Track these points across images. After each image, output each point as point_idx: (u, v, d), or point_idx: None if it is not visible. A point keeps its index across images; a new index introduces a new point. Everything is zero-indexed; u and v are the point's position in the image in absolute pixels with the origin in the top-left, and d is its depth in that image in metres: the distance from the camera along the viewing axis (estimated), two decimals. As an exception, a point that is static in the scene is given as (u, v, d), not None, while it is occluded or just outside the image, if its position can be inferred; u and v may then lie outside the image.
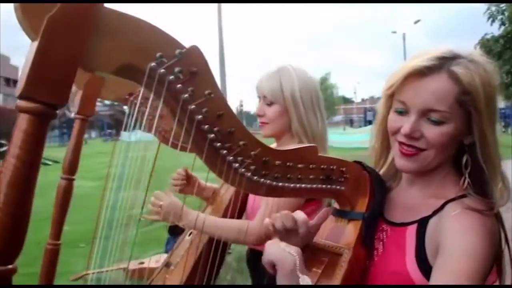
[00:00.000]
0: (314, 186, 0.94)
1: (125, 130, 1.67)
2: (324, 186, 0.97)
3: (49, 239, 1.51)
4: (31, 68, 0.56)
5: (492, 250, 0.90)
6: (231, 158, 0.77)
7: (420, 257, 0.94)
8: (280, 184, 0.87)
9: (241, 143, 0.79)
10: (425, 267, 0.92)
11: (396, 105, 1.00)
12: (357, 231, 1.02)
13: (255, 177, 0.82)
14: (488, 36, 7.62)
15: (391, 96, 1.03)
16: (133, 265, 3.61)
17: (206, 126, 0.73)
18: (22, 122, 0.58)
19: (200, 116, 0.72)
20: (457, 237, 0.89)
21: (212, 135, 0.74)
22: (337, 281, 0.96)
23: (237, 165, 0.79)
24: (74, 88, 1.55)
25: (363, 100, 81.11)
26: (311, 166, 0.93)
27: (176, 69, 0.69)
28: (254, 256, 1.72)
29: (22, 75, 0.58)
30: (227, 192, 1.90)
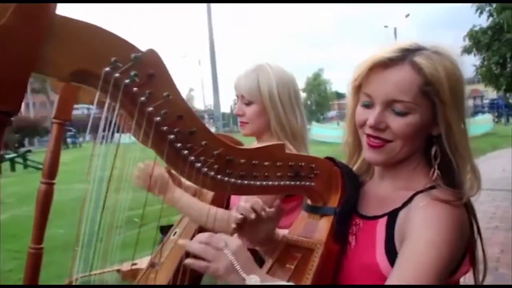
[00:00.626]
0: (282, 183, 0.96)
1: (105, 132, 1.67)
2: (293, 183, 0.98)
3: (31, 243, 1.52)
4: (-17, 76, 0.57)
5: (459, 240, 0.90)
6: (192, 158, 0.79)
7: (389, 249, 0.95)
8: (246, 182, 0.88)
9: (203, 143, 0.80)
10: (394, 258, 0.92)
11: (362, 98, 1.01)
12: (329, 226, 1.04)
13: (219, 176, 0.83)
14: (477, 28, 7.61)
15: (357, 90, 1.04)
16: (126, 266, 3.62)
17: (165, 128, 0.75)
18: (-24, 130, 0.59)
19: (158, 118, 0.73)
20: (421, 228, 0.90)
21: (172, 136, 0.75)
22: (310, 276, 0.98)
23: (199, 164, 0.80)
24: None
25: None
26: (278, 163, 0.94)
27: (132, 73, 0.70)
28: None
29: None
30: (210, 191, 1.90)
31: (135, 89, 0.70)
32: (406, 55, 0.95)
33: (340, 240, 1.05)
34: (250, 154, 0.89)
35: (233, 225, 1.02)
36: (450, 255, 0.88)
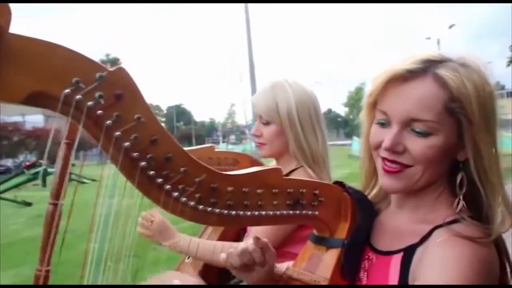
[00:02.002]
0: (279, 213, 0.86)
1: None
2: (292, 212, 0.88)
3: (37, 265, 1.48)
4: None
5: (482, 282, 0.76)
6: (168, 187, 0.71)
7: None
8: (234, 212, 0.79)
9: (182, 169, 0.72)
10: None
11: (378, 115, 0.89)
12: (335, 260, 0.93)
13: (201, 206, 0.75)
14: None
15: (373, 106, 0.92)
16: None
17: (136, 154, 0.67)
18: None
19: (127, 143, 0.66)
20: (436, 268, 0.77)
21: (144, 163, 0.68)
22: None
23: (177, 194, 0.72)
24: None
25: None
26: (273, 190, 0.85)
27: (97, 94, 0.63)
28: None
29: None
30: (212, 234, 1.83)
31: (99, 112, 0.64)
32: (428, 66, 0.83)
33: (349, 275, 0.93)
34: (240, 181, 0.80)
35: (223, 255, 0.94)
36: None
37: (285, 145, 1.55)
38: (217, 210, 0.77)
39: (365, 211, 0.98)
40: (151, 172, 0.69)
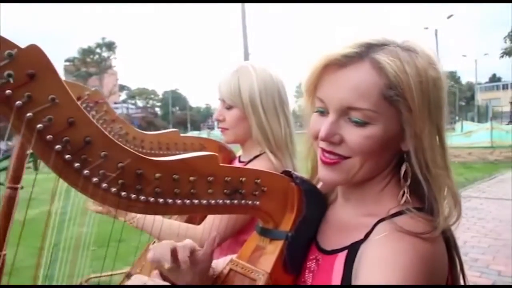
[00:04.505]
0: (213, 202, 0.83)
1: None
2: (229, 201, 0.85)
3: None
4: None
5: (425, 282, 0.71)
6: (86, 172, 0.68)
7: None
8: (162, 200, 0.76)
9: (102, 153, 0.69)
10: None
11: (316, 103, 0.85)
12: (277, 254, 0.90)
13: (124, 193, 0.72)
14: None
15: (312, 93, 0.87)
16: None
17: (49, 136, 0.64)
18: None
19: (40, 125, 0.63)
20: (374, 267, 0.72)
21: (58, 146, 0.65)
22: None
23: (96, 179, 0.69)
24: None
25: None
26: (209, 178, 0.82)
27: (6, 73, 0.60)
28: None
29: None
30: None
31: (8, 91, 0.61)
32: (365, 51, 0.78)
33: (293, 270, 0.90)
34: (170, 167, 0.77)
35: (155, 271, 0.90)
36: None
37: (248, 130, 1.53)
38: (143, 197, 0.74)
39: (314, 203, 0.95)
40: (67, 156, 0.66)
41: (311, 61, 0.84)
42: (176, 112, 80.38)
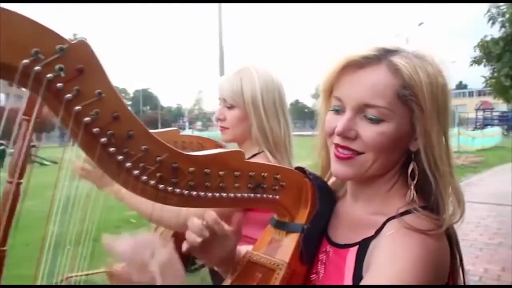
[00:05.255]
0: (239, 195, 0.86)
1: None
2: (252, 195, 0.89)
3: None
4: None
5: (431, 276, 0.77)
6: (129, 164, 0.70)
7: (357, 283, 0.82)
8: (195, 193, 0.79)
9: (143, 147, 0.71)
10: None
11: (333, 102, 0.90)
12: (295, 245, 0.94)
13: (162, 186, 0.75)
14: (488, 38, 7.46)
15: (329, 93, 0.92)
16: (117, 268, 3.55)
17: (97, 129, 0.66)
18: None
19: (88, 118, 0.65)
20: (386, 261, 0.77)
21: (104, 139, 0.67)
22: None
23: (137, 172, 0.71)
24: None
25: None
26: (235, 173, 0.85)
27: (57, 66, 0.62)
28: None
29: None
30: None
31: (59, 85, 0.62)
32: (383, 54, 0.84)
33: (308, 261, 0.95)
34: (202, 162, 0.80)
35: (185, 245, 0.91)
36: None
37: (247, 130, 1.56)
38: (178, 190, 0.77)
39: (325, 198, 1.00)
40: (112, 149, 0.68)
41: (329, 63, 0.89)
42: (147, 111, 79.41)
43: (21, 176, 1.48)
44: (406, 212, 0.85)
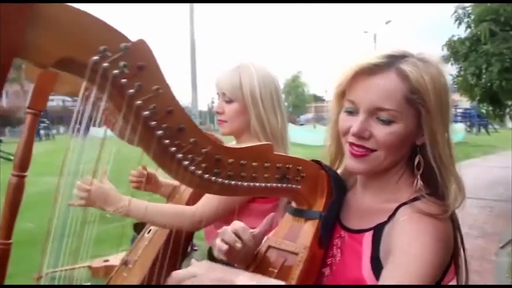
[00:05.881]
0: (269, 185, 0.93)
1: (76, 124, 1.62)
2: (279, 185, 0.96)
3: (0, 239, 1.44)
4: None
5: (444, 253, 0.89)
6: (180, 155, 0.75)
7: (375, 265, 0.93)
8: (233, 182, 0.85)
9: (191, 140, 0.77)
10: (380, 274, 0.90)
11: (346, 104, 0.99)
12: (314, 231, 1.02)
13: (207, 175, 0.80)
14: (455, 38, 7.76)
15: (341, 96, 1.02)
16: (98, 263, 3.54)
17: (154, 123, 0.71)
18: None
19: (147, 112, 0.70)
20: (405, 242, 0.88)
21: (160, 132, 0.72)
22: (293, 280, 0.96)
23: (187, 163, 0.77)
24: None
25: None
26: (265, 164, 0.92)
27: (121, 63, 0.66)
28: (212, 253, 1.70)
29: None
30: (187, 189, 1.87)
31: (123, 80, 0.67)
32: (392, 61, 0.93)
33: (325, 245, 1.03)
34: (239, 154, 0.86)
35: (218, 254, 1.01)
36: (436, 268, 0.87)
37: (245, 123, 1.62)
38: (220, 180, 0.82)
39: (338, 188, 1.08)
40: (166, 141, 0.73)
41: (341, 69, 0.99)
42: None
43: (25, 169, 1.49)
44: (415, 199, 0.95)
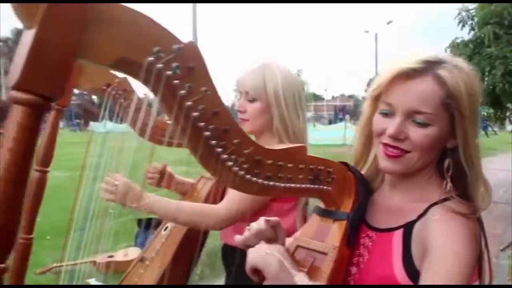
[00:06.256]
0: (303, 186, 0.94)
1: (101, 121, 1.64)
2: (312, 186, 0.97)
3: (22, 233, 1.46)
4: (27, 58, 0.54)
5: (476, 252, 0.92)
6: (225, 156, 0.77)
7: (406, 261, 0.95)
8: (272, 183, 0.86)
9: (235, 141, 0.78)
10: (411, 271, 0.94)
11: (382, 106, 1.01)
12: (342, 231, 1.03)
13: (248, 176, 0.82)
14: (458, 40, 7.78)
15: (376, 98, 1.04)
16: (102, 258, 3.55)
17: (202, 124, 0.72)
18: (17, 114, 0.55)
19: (196, 113, 0.71)
20: (444, 240, 0.91)
21: (208, 133, 0.73)
22: (323, 280, 0.97)
23: (231, 163, 0.78)
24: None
25: (333, 97, 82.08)
26: (300, 166, 0.93)
27: (174, 65, 0.67)
28: (228, 251, 1.72)
29: (16, 65, 0.56)
30: (204, 187, 1.88)
31: (176, 82, 0.68)
32: (429, 67, 0.96)
33: (352, 245, 1.05)
34: (276, 155, 0.87)
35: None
36: (471, 266, 0.90)
37: (267, 122, 1.63)
38: (260, 180, 0.84)
39: (364, 189, 1.10)
40: (213, 142, 0.74)
41: (381, 73, 1.02)
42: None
43: (48, 164, 1.50)
44: (446, 199, 0.98)
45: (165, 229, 1.85)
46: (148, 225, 4.59)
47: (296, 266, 0.92)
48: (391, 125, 0.97)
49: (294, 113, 1.63)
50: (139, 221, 4.63)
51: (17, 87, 0.55)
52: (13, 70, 0.57)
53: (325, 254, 1.01)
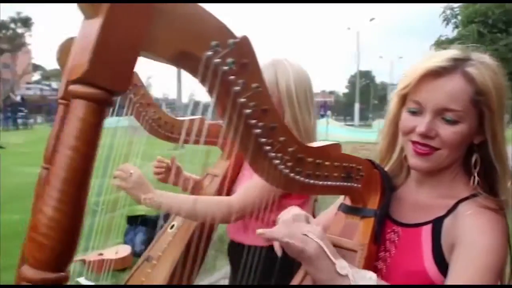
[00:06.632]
0: (338, 183, 0.94)
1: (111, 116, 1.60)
2: (344, 183, 0.97)
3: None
4: (93, 50, 0.51)
5: (506, 247, 0.93)
6: (273, 154, 0.75)
7: (437, 256, 0.96)
8: (312, 181, 0.85)
9: (281, 139, 0.76)
10: (442, 264, 0.95)
11: (410, 104, 1.01)
12: (370, 228, 1.04)
13: (292, 174, 0.80)
14: (443, 38, 7.92)
15: (404, 96, 1.04)
16: (92, 256, 3.49)
17: (254, 121, 0.70)
18: (79, 110, 0.52)
19: (249, 111, 0.69)
20: (475, 234, 0.92)
21: (258, 130, 0.71)
22: None
23: (277, 161, 0.76)
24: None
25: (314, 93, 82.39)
26: (335, 163, 0.92)
27: (229, 60, 0.65)
28: (235, 248, 1.70)
29: (76, 58, 0.53)
30: (211, 184, 1.86)
31: (231, 77, 0.66)
32: (457, 64, 0.97)
33: (379, 241, 1.05)
34: (316, 153, 0.86)
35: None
36: (502, 261, 0.91)
37: None
38: (301, 179, 0.82)
39: (389, 186, 1.10)
40: (263, 140, 0.72)
41: (407, 72, 1.02)
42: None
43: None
44: (474, 195, 0.99)
45: (172, 227, 1.82)
46: (137, 222, 4.54)
47: (337, 254, 0.90)
48: (420, 123, 0.98)
49: (305, 109, 1.61)
50: (129, 218, 4.57)
51: (82, 80, 0.52)
52: (73, 63, 0.54)
53: (354, 251, 1.01)
